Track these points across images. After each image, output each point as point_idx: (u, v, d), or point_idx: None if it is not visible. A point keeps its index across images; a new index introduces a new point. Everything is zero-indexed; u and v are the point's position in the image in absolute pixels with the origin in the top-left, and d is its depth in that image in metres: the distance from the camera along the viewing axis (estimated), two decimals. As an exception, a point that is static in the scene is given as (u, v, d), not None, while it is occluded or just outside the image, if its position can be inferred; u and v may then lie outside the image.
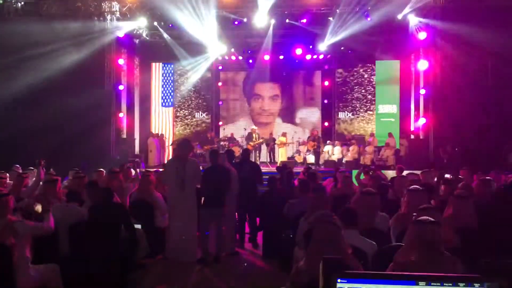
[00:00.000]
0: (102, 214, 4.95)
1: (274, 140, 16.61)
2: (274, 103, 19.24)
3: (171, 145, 16.79)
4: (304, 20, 14.65)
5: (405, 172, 8.55)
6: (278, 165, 12.52)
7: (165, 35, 15.90)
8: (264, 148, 16.56)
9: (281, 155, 15.85)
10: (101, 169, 7.87)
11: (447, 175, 7.59)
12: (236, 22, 15.04)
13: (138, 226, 5.64)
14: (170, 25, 15.30)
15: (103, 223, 4.86)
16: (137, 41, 16.19)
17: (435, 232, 2.80)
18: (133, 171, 8.70)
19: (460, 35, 12.78)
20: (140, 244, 5.53)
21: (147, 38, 16.23)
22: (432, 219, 2.93)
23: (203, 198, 6.34)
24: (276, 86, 19.17)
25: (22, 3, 13.23)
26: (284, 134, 16.35)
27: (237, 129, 18.09)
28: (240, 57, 18.05)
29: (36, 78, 12.02)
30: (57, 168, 8.40)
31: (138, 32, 15.72)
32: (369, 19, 14.34)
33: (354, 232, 3.77)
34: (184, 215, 5.94)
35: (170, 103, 18.25)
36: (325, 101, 18.71)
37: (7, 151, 11.18)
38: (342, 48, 17.17)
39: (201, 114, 19.09)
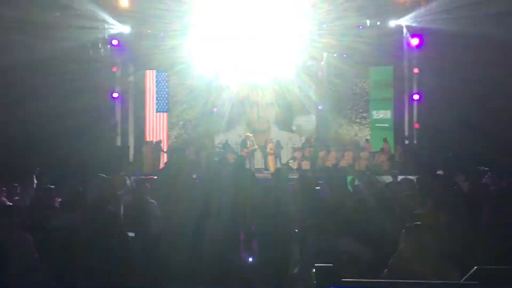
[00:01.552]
0: (95, 223, 4.91)
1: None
2: (270, 110, 19.18)
3: (165, 152, 16.75)
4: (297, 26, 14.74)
5: (399, 177, 8.59)
6: (272, 171, 12.51)
7: (157, 43, 15.94)
8: (258, 154, 16.53)
9: (270, 163, 15.84)
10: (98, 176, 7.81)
11: (439, 172, 7.62)
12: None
13: (132, 235, 5.60)
14: (162, 35, 15.39)
15: (96, 232, 4.82)
16: (130, 48, 16.16)
17: (428, 238, 2.80)
18: (127, 179, 8.66)
19: (453, 41, 12.90)
20: (133, 252, 5.49)
21: (140, 45, 16.22)
22: (425, 225, 2.93)
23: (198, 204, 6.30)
24: (273, 92, 19.09)
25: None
26: (270, 142, 16.36)
27: (232, 136, 18.05)
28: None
29: (28, 87, 11.97)
30: (50, 177, 8.34)
31: (132, 40, 15.73)
32: (361, 27, 14.52)
33: (349, 239, 3.77)
34: (178, 223, 5.90)
35: (164, 109, 18.20)
36: (320, 107, 18.73)
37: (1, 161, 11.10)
38: (335, 54, 17.27)
39: (196, 120, 19.03)
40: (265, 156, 16.37)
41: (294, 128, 19.07)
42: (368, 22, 14.38)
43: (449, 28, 12.85)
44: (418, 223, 3.01)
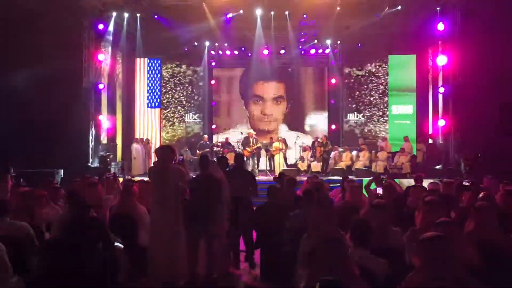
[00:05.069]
0: (77, 230, 4.92)
1: (274, 145, 16.59)
2: (278, 106, 19.10)
3: (155, 152, 16.79)
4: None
5: (425, 182, 8.53)
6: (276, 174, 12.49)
7: (150, 28, 15.98)
8: (264, 154, 16.51)
9: (277, 163, 15.81)
10: (78, 179, 7.85)
11: (465, 182, 7.59)
12: (228, 15, 15.17)
13: (119, 245, 5.61)
14: (156, 16, 15.41)
15: (78, 240, 4.83)
16: (119, 34, 16.18)
17: (446, 250, 2.79)
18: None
19: (484, 26, 12.80)
20: (120, 265, 5.50)
21: (131, 30, 16.26)
22: (440, 235, 2.92)
23: (190, 212, 6.28)
24: (281, 85, 19.01)
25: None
26: (280, 140, 16.31)
27: (233, 134, 18.05)
28: (236, 52, 18.09)
29: (4, 76, 12.00)
30: (27, 178, 8.37)
31: (120, 24, 15.75)
32: (377, 15, 14.59)
33: (363, 251, 3.77)
34: (167, 231, 5.87)
35: (156, 104, 18.25)
36: (332, 102, 18.70)
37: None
38: (351, 41, 17.24)
39: (192, 116, 19.08)
40: (272, 156, 16.33)
41: (307, 128, 18.96)
42: (386, 7, 14.38)
43: (482, 11, 12.76)
44: (431, 233, 2.99)
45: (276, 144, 16.04)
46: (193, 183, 6.25)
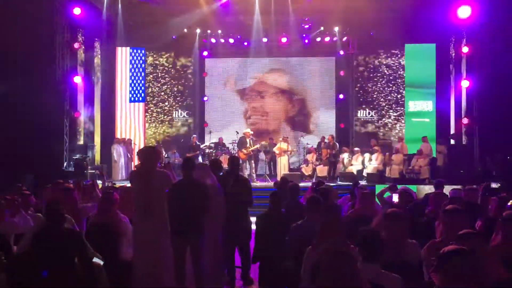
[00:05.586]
0: (50, 243, 4.92)
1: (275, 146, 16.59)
2: (279, 103, 19.13)
3: (137, 154, 16.80)
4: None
5: (447, 189, 8.56)
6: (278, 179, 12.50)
7: (133, 13, 15.99)
8: (262, 157, 16.53)
9: (282, 166, 15.80)
10: (50, 185, 7.86)
11: (493, 185, 7.61)
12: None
13: (99, 261, 5.62)
14: None
15: (51, 255, 4.84)
16: (98, 19, 16.19)
17: (469, 265, 2.80)
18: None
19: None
20: (99, 282, 5.51)
21: (111, 15, 16.26)
22: (463, 248, 2.93)
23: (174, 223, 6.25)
24: (282, 79, 19.07)
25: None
26: (285, 140, 16.29)
27: (227, 134, 18.06)
28: (231, 40, 18.10)
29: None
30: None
31: (99, 8, 15.75)
32: None
33: (374, 266, 3.79)
34: (152, 243, 5.86)
35: (140, 98, 18.25)
36: (341, 97, 18.72)
37: None
38: (362, 28, 17.27)
39: (181, 113, 19.09)
40: (273, 159, 16.35)
41: (312, 127, 18.98)
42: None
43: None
44: (452, 246, 3.01)
45: (281, 145, 15.95)
46: (173, 189, 6.17)
